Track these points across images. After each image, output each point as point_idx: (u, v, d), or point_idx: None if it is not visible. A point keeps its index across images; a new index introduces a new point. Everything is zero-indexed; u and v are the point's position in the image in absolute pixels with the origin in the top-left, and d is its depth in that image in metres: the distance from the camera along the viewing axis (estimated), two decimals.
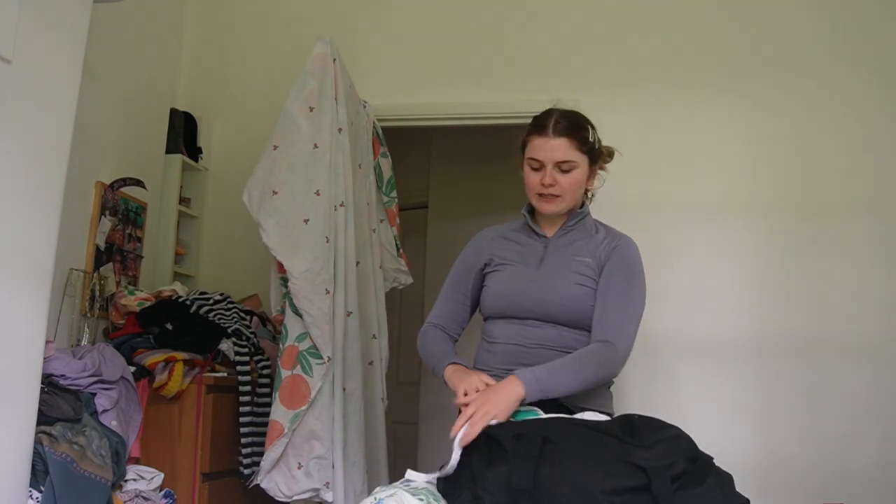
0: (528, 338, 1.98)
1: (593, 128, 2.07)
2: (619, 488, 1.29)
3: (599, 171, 2.12)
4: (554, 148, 1.97)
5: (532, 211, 2.13)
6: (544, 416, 1.66)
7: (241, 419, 2.71)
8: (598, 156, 2.07)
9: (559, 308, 1.97)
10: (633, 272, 2.07)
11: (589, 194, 2.15)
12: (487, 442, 1.45)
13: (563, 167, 1.98)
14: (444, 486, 1.48)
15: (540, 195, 2.02)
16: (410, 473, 1.59)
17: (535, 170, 2.01)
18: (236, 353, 2.75)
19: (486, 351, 2.06)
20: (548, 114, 2.04)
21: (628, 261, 2.06)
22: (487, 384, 1.78)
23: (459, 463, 1.49)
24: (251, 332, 2.91)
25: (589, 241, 2.08)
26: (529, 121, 3.50)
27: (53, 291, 2.09)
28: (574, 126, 2.01)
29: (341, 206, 2.78)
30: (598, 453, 1.37)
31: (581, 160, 2.01)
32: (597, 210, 3.41)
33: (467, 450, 1.51)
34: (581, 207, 2.11)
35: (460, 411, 1.70)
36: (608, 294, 1.99)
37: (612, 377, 1.96)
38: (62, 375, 2.24)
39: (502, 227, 2.21)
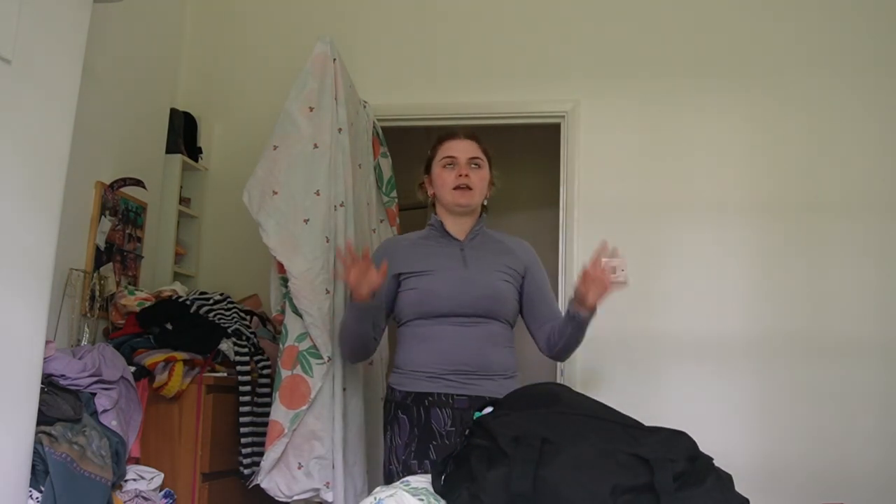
0: (468, 336, 2.16)
1: None
2: (621, 488, 1.29)
3: (491, 187, 2.38)
4: (466, 146, 2.30)
5: (439, 223, 2.33)
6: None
7: (241, 419, 2.71)
8: (491, 166, 2.36)
9: (496, 302, 2.19)
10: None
11: (484, 202, 2.37)
12: (486, 441, 1.45)
13: (474, 162, 2.28)
14: (443, 486, 1.48)
15: (455, 188, 2.26)
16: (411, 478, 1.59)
17: (450, 166, 2.28)
18: (236, 353, 2.75)
19: (423, 352, 2.17)
20: (452, 128, 2.40)
21: (539, 259, 2.39)
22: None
23: (458, 461, 1.49)
24: (251, 332, 2.91)
25: (498, 244, 2.33)
26: (530, 121, 3.54)
27: (53, 291, 2.09)
28: (477, 135, 2.36)
29: (341, 206, 2.78)
30: (599, 448, 1.36)
31: (484, 162, 2.32)
32: (598, 209, 3.43)
33: (466, 448, 1.51)
34: (480, 216, 2.36)
35: None
36: (547, 289, 2.36)
37: None
38: (62, 375, 2.23)
39: (403, 237, 2.40)
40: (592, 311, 2.14)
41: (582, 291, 2.09)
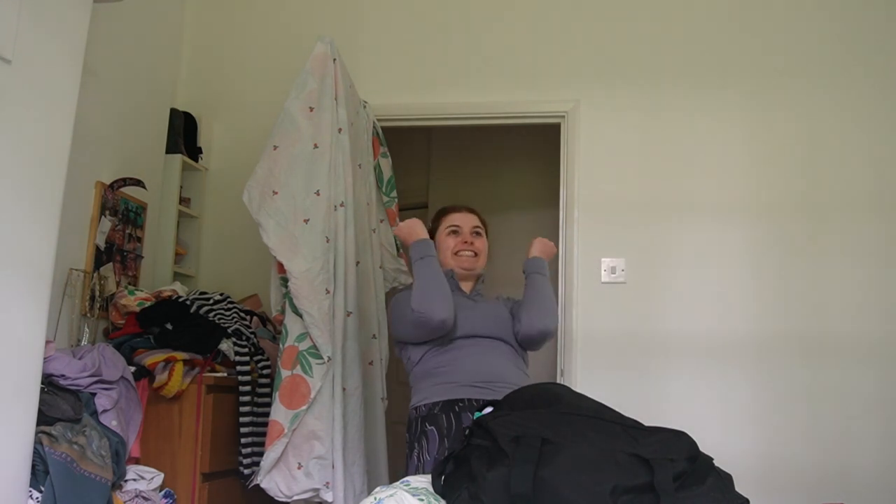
0: (484, 351, 2.26)
1: None
2: (621, 488, 1.29)
3: None
4: (468, 218, 2.55)
5: (451, 274, 2.47)
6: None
7: (241, 419, 2.71)
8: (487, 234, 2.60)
9: (504, 322, 2.36)
10: None
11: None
12: (486, 441, 1.44)
13: (476, 230, 2.53)
14: (443, 486, 1.48)
15: (457, 254, 2.47)
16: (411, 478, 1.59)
17: (454, 233, 2.50)
18: (236, 353, 2.75)
19: (445, 371, 2.24)
20: (452, 204, 2.64)
21: None
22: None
23: (458, 462, 1.49)
24: (251, 332, 2.91)
25: (497, 301, 2.54)
26: (530, 121, 3.55)
27: (53, 291, 2.08)
28: (474, 209, 2.60)
29: (341, 206, 2.78)
30: (599, 449, 1.36)
31: (483, 231, 2.56)
32: (598, 209, 3.43)
33: (467, 449, 1.51)
34: (479, 280, 2.54)
35: None
36: None
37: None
38: (62, 375, 2.23)
39: None
40: (537, 261, 2.43)
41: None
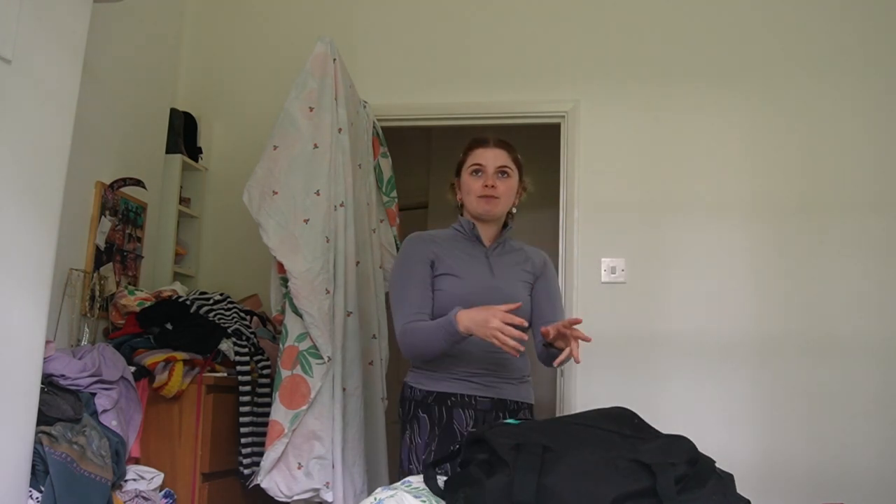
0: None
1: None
2: (624, 494, 1.28)
3: (521, 194, 2.35)
4: (496, 155, 2.25)
5: (471, 225, 2.29)
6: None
7: (241, 419, 2.71)
8: (522, 174, 2.33)
9: (519, 313, 2.13)
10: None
11: (513, 210, 2.33)
12: (484, 453, 1.43)
13: (502, 171, 2.24)
14: (444, 491, 1.47)
15: (480, 197, 2.22)
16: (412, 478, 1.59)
17: (477, 173, 2.24)
18: (236, 353, 2.75)
19: (446, 355, 2.11)
20: (483, 135, 2.32)
21: (553, 270, 2.39)
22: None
23: (459, 469, 1.48)
24: (251, 332, 2.91)
25: (519, 253, 2.33)
26: (530, 120, 3.54)
27: (53, 291, 2.08)
28: (508, 143, 2.31)
29: (341, 206, 2.78)
30: (599, 456, 1.36)
31: (513, 171, 2.27)
32: (598, 209, 3.43)
33: (467, 458, 1.50)
34: (505, 226, 2.32)
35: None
36: (556, 298, 2.33)
37: None
38: (62, 375, 2.23)
39: (431, 233, 2.33)
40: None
41: (551, 335, 2.04)
